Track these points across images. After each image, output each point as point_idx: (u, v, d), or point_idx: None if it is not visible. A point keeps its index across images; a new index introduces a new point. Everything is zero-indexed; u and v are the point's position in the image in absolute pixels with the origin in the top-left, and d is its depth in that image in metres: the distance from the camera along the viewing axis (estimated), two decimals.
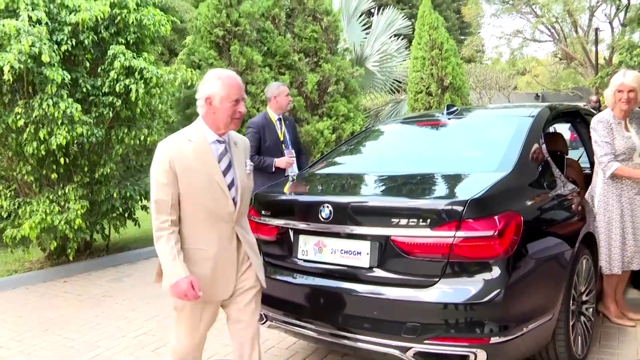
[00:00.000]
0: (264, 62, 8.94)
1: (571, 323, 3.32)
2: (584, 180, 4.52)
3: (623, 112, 4.04)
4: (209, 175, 2.64)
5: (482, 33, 35.94)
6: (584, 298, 3.62)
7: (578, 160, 5.05)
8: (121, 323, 4.80)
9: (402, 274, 2.93)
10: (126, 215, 7.08)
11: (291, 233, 3.40)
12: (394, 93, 14.46)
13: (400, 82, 13.76)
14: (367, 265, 3.04)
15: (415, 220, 2.86)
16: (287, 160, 5.37)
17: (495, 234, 2.76)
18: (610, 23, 25.84)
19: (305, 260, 3.31)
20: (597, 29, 25.21)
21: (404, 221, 2.89)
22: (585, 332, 3.60)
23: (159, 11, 6.76)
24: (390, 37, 13.51)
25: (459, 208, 2.80)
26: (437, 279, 2.83)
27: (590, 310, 3.70)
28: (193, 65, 8.56)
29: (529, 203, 3.17)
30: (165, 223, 2.58)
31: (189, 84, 6.91)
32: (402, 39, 13.90)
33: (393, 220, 2.92)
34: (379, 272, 3.00)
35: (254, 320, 2.87)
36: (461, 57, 20.74)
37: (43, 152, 5.88)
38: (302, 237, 3.35)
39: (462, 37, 33.38)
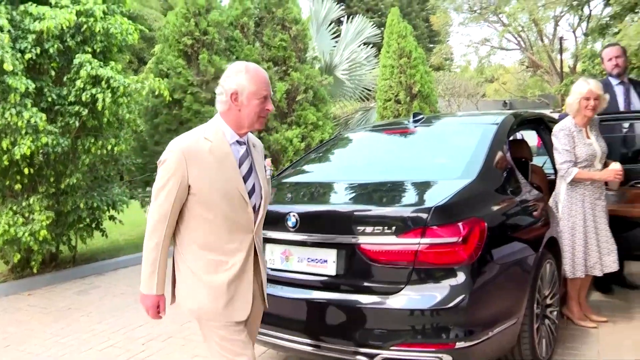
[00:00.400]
0: None
1: (535, 326, 3.38)
2: (548, 186, 4.61)
3: (586, 119, 4.12)
4: (229, 181, 2.37)
5: (451, 41, 36.47)
6: (548, 301, 3.69)
7: (542, 166, 5.14)
8: (87, 336, 4.72)
9: (368, 281, 2.95)
10: (93, 226, 6.97)
11: None
12: (364, 101, 14.58)
13: (369, 90, 13.88)
14: (334, 273, 3.05)
15: (381, 227, 2.88)
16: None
17: (460, 240, 2.80)
18: (574, 32, 26.45)
19: (272, 269, 3.30)
20: (561, 38, 25.79)
21: (369, 229, 2.91)
22: (550, 335, 3.66)
23: (127, 20, 6.71)
24: (360, 46, 13.64)
25: (424, 215, 2.84)
26: (403, 286, 2.85)
27: (555, 313, 3.76)
28: (161, 74, 8.53)
29: (493, 209, 3.22)
30: (162, 230, 2.35)
31: (156, 93, 6.86)
32: (371, 47, 14.05)
33: (359, 228, 2.95)
34: (345, 280, 3.02)
35: (253, 339, 2.68)
36: (430, 65, 20.98)
37: (6, 163, 5.77)
38: (268, 246, 3.35)
39: (431, 45, 33.77)
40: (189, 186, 2.33)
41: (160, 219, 2.35)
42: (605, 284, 4.82)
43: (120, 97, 6.30)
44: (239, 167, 2.41)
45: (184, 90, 8.52)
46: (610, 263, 4.10)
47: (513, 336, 3.18)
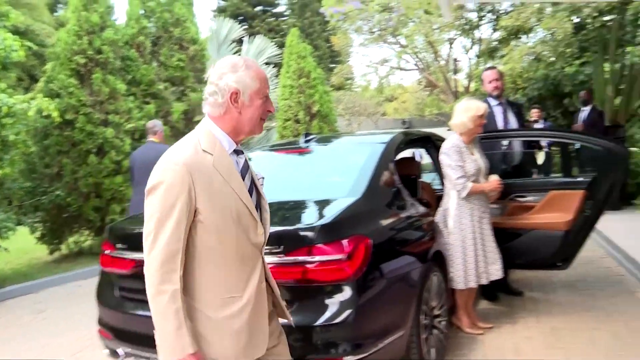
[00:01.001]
0: (128, 91, 8.72)
1: (424, 337, 3.52)
2: (437, 201, 4.82)
3: (472, 137, 4.37)
4: (239, 200, 1.97)
5: (352, 61, 37.34)
6: (436, 312, 3.84)
7: (430, 183, 5.38)
8: None
9: None
10: None
11: None
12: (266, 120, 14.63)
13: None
14: None
15: (269, 247, 2.91)
16: None
17: (345, 257, 2.88)
18: (467, 54, 27.98)
19: None
20: (455, 60, 27.21)
21: None
22: (439, 344, 3.81)
23: (11, 35, 6.40)
24: (261, 66, 13.71)
25: (310, 233, 2.91)
26: (293, 303, 2.89)
27: (443, 323, 3.92)
28: (52, 93, 8.15)
29: (378, 225, 3.34)
30: (174, 274, 1.86)
31: (44, 113, 6.56)
32: (273, 67, 14.17)
33: None
34: None
35: None
36: (331, 84, 21.43)
37: None
38: None
39: (333, 65, 34.45)
40: (195, 211, 1.92)
41: (168, 259, 1.86)
42: (491, 292, 5.10)
43: (4, 118, 5.98)
44: (243, 180, 2.04)
45: (76, 111, 8.19)
46: (495, 271, 4.37)
47: (401, 347, 3.29)
